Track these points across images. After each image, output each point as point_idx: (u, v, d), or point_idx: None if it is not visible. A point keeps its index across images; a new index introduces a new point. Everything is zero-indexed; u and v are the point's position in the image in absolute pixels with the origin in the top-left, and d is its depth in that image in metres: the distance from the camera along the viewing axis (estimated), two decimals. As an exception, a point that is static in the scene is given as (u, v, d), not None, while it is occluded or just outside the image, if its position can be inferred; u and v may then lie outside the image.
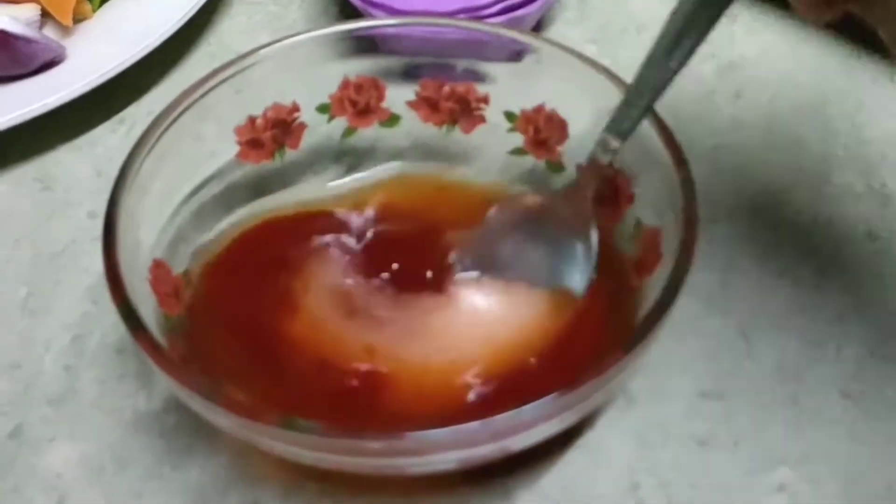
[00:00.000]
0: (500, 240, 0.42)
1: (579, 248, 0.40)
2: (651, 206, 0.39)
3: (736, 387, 0.40)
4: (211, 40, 0.58)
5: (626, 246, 0.40)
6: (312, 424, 0.31)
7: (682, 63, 0.36)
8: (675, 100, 0.51)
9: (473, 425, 0.31)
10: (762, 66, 0.54)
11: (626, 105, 0.38)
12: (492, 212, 0.42)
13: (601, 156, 0.39)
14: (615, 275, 0.40)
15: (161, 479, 0.38)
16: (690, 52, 0.36)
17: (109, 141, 0.52)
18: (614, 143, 0.39)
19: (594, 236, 0.40)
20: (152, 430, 0.40)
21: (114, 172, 0.38)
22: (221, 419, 0.32)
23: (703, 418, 0.39)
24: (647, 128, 0.39)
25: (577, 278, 0.40)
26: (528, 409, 0.31)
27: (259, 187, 0.44)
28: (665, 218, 0.38)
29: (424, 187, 0.45)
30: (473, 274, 0.41)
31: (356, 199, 0.45)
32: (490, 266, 0.41)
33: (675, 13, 0.36)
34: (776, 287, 0.43)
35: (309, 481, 0.38)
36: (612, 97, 0.40)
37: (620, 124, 0.38)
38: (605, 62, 0.42)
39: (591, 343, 0.38)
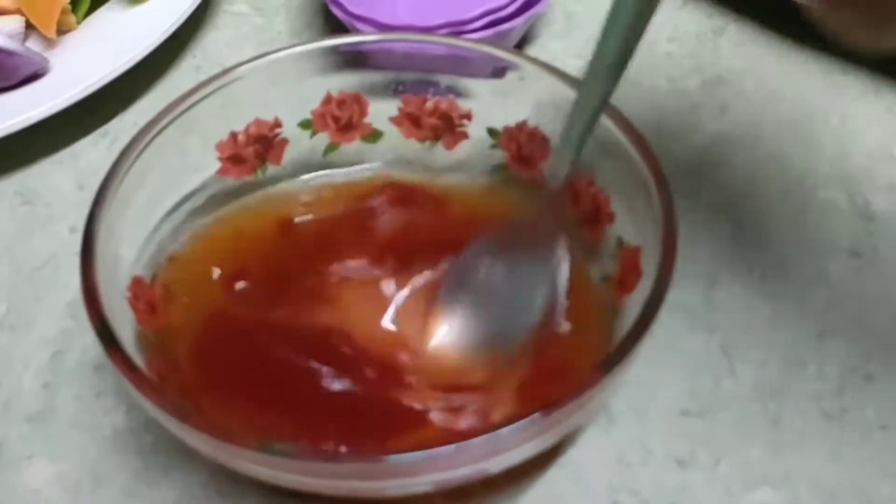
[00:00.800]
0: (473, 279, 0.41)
1: (548, 275, 0.40)
2: (631, 224, 0.39)
3: (717, 406, 0.40)
4: (196, 52, 0.58)
5: (606, 264, 0.40)
6: (288, 447, 0.31)
7: (625, 61, 0.36)
8: (659, 114, 0.52)
9: (450, 448, 0.30)
10: (748, 81, 0.54)
11: (575, 115, 0.38)
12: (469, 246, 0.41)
13: (559, 173, 0.39)
14: (595, 294, 0.40)
15: (138, 498, 0.38)
16: (632, 51, 0.36)
17: (92, 154, 0.52)
18: (569, 156, 0.38)
19: (565, 263, 0.40)
20: (129, 449, 0.40)
21: (96, 186, 0.38)
22: (196, 440, 0.32)
23: (684, 437, 0.39)
24: (626, 145, 0.39)
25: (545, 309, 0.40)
26: (506, 432, 0.30)
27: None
28: (646, 236, 0.37)
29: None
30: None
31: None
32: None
33: (611, 18, 0.36)
34: (758, 304, 0.43)
35: (287, 501, 0.37)
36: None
37: (572, 136, 0.38)
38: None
39: (571, 364, 0.37)
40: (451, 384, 0.38)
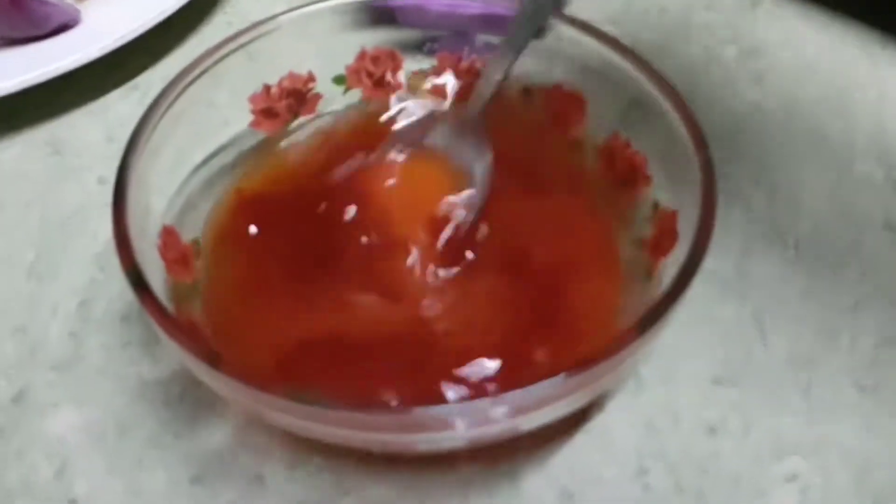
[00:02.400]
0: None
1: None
2: (668, 187, 0.39)
3: (748, 374, 0.40)
4: (227, 8, 0.57)
5: (640, 227, 0.40)
6: (319, 397, 0.30)
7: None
8: (695, 83, 0.51)
9: (483, 402, 0.30)
10: (784, 52, 0.53)
11: (520, 21, 0.41)
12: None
13: (490, 81, 0.41)
14: (629, 253, 0.39)
15: (163, 448, 0.38)
16: None
17: (122, 107, 0.52)
18: (504, 63, 0.41)
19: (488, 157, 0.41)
20: (156, 399, 0.39)
21: (125, 138, 0.38)
22: (225, 387, 0.32)
23: (714, 405, 0.39)
24: (666, 108, 0.38)
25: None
26: (540, 387, 0.30)
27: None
28: (682, 200, 0.37)
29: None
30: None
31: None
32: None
33: None
34: (792, 274, 0.43)
35: (315, 455, 0.37)
36: (633, 77, 0.40)
37: (516, 40, 0.41)
38: (627, 42, 0.41)
39: (603, 322, 0.37)
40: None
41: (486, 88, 0.42)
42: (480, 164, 0.41)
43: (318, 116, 0.45)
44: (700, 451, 0.38)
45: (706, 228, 0.34)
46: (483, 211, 0.40)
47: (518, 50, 0.41)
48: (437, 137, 0.42)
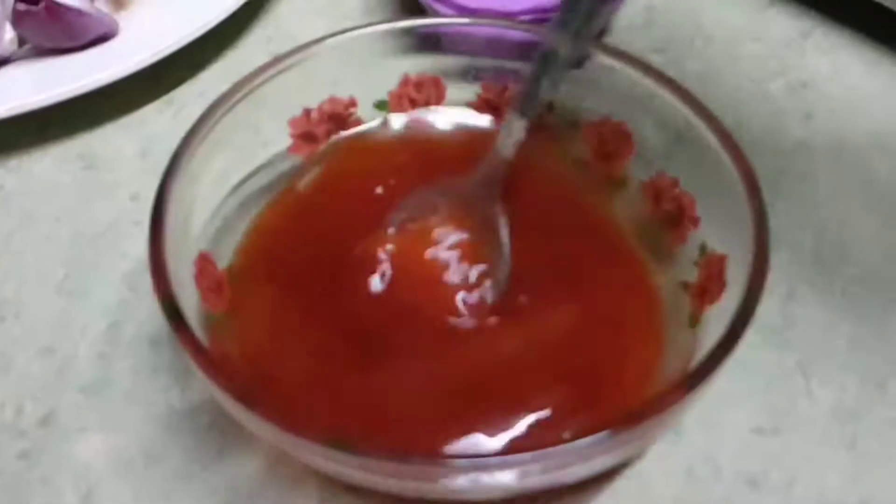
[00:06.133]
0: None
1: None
2: (717, 230, 0.38)
3: (791, 425, 0.39)
4: (267, 23, 0.57)
5: (684, 270, 0.39)
6: (355, 445, 0.29)
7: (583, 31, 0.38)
8: (740, 118, 0.50)
9: (523, 456, 0.29)
10: (834, 87, 0.52)
11: (531, 82, 0.39)
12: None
13: (506, 144, 0.40)
14: (671, 297, 0.38)
15: (191, 479, 0.37)
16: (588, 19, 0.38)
17: (157, 121, 0.51)
18: (519, 125, 0.39)
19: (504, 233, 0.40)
20: (185, 428, 0.39)
21: (160, 154, 0.37)
22: (260, 429, 0.31)
23: (756, 456, 0.38)
24: (717, 149, 0.37)
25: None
26: (584, 443, 0.29)
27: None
28: (732, 244, 0.36)
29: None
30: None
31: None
32: None
33: None
34: (838, 322, 0.42)
35: (345, 493, 0.36)
36: (678, 110, 0.39)
37: (526, 103, 0.39)
38: (671, 73, 0.40)
39: (646, 371, 0.36)
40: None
41: (503, 150, 0.40)
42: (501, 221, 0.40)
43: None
44: (741, 505, 0.37)
45: (759, 279, 0.33)
46: (511, 259, 0.40)
47: (531, 112, 0.40)
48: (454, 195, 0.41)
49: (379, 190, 0.42)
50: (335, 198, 0.42)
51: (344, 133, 0.44)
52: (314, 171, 0.43)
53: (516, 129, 0.40)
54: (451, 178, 0.41)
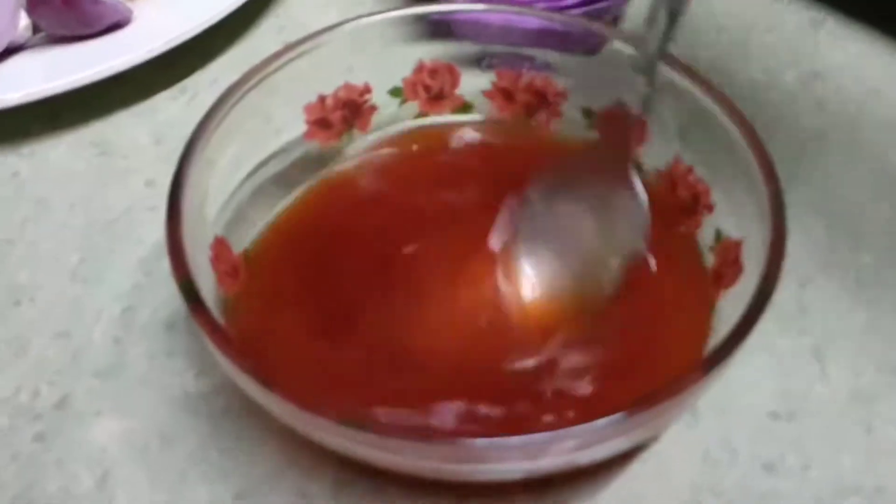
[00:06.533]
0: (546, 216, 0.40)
1: (625, 204, 0.39)
2: (732, 216, 0.38)
3: (807, 410, 0.39)
4: (279, 12, 0.57)
5: (702, 255, 0.39)
6: (371, 423, 0.29)
7: None
8: (753, 107, 0.50)
9: (541, 436, 0.29)
10: (847, 77, 0.52)
11: (645, 40, 0.38)
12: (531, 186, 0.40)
13: (631, 100, 0.38)
14: (690, 283, 0.38)
15: (206, 463, 0.37)
16: None
17: (170, 109, 0.51)
18: (641, 83, 0.38)
19: (638, 186, 0.38)
20: (200, 412, 0.39)
21: (173, 141, 0.37)
22: (278, 408, 0.31)
23: (772, 440, 0.38)
24: (733, 134, 0.37)
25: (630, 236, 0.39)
26: (599, 425, 0.29)
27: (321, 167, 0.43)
28: (748, 230, 0.36)
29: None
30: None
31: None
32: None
33: None
34: (854, 307, 0.42)
35: (361, 477, 0.36)
36: (694, 98, 0.39)
37: (643, 61, 0.37)
38: (684, 62, 0.40)
39: (662, 348, 0.36)
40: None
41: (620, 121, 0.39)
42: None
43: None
44: (757, 489, 0.36)
45: (775, 264, 0.33)
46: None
47: (648, 70, 0.38)
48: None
49: (436, 193, 0.42)
50: (390, 189, 0.43)
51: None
52: (360, 161, 0.43)
53: (639, 84, 0.38)
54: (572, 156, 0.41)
